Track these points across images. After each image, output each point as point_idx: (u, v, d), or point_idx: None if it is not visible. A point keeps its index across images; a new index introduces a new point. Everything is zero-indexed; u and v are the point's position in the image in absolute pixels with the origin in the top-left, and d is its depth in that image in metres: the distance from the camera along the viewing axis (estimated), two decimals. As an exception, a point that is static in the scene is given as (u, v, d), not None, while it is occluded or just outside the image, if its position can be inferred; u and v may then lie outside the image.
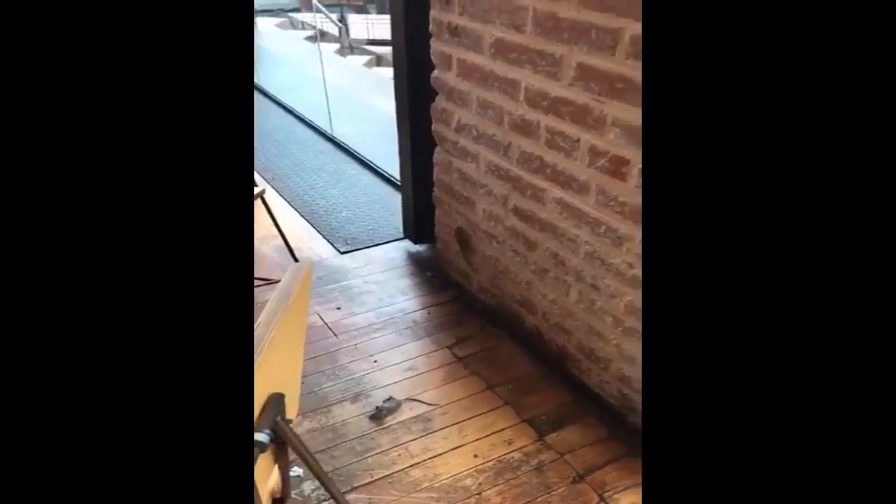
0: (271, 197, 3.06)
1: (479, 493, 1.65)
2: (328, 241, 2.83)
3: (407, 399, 1.96)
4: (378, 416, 1.89)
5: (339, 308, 2.38)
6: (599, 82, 1.55)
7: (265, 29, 7.94)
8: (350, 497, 1.63)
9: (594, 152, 1.64)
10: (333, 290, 2.49)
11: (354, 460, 1.75)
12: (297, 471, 1.68)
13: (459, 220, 2.34)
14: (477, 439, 1.82)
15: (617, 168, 1.59)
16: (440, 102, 2.21)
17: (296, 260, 2.63)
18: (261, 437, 0.89)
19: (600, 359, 1.87)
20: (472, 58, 1.96)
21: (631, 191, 1.57)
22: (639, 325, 1.69)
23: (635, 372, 1.76)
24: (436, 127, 2.29)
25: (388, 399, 1.94)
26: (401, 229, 2.84)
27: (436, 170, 2.39)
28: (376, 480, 1.69)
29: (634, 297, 1.68)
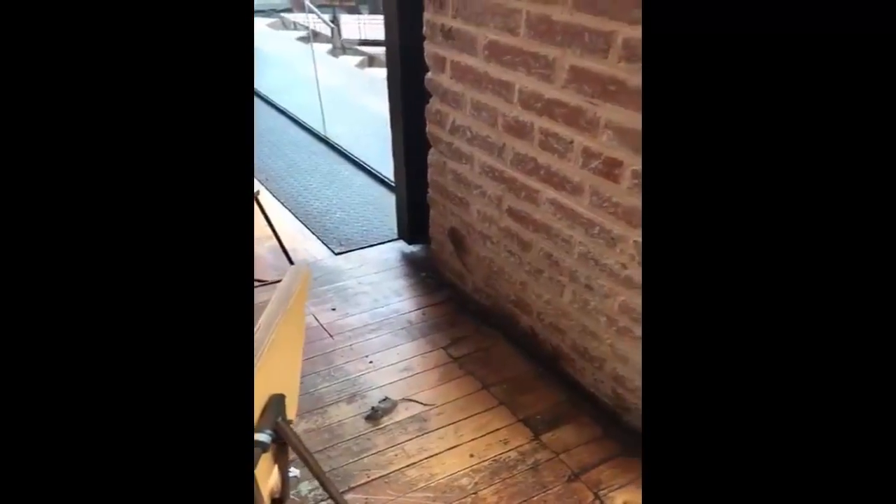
0: (265, 198, 3.07)
1: (475, 493, 1.67)
2: (322, 242, 2.84)
3: (403, 399, 1.97)
4: (374, 416, 1.90)
5: (334, 309, 2.39)
6: (592, 85, 1.57)
7: (257, 29, 7.92)
8: (347, 497, 1.64)
9: (587, 154, 1.66)
10: (328, 291, 2.49)
11: (351, 461, 1.76)
12: (293, 471, 1.69)
13: (454, 220, 2.35)
14: (473, 439, 1.83)
15: (610, 170, 1.60)
16: (434, 104, 2.22)
17: (290, 261, 2.63)
18: (263, 437, 0.90)
19: (594, 358, 1.89)
20: (465, 60, 1.98)
21: (624, 192, 1.59)
22: (632, 325, 1.71)
23: (629, 371, 1.78)
24: (430, 128, 2.30)
25: (384, 399, 1.96)
26: (395, 230, 2.85)
27: (430, 171, 2.40)
28: (373, 480, 1.70)
29: (628, 297, 1.69)
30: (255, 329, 0.88)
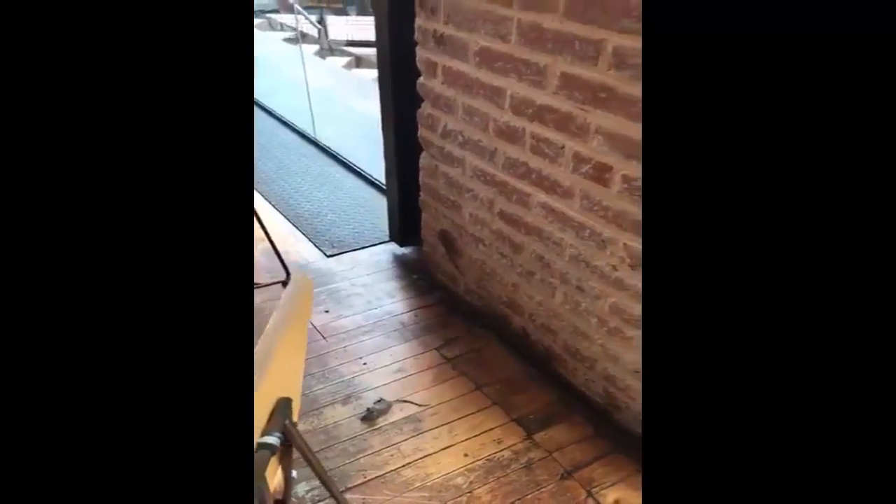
0: (256, 201, 3.08)
1: (470, 492, 1.70)
2: (314, 244, 2.85)
3: (397, 400, 2.00)
4: (369, 417, 1.93)
5: (327, 311, 2.41)
6: (583, 91, 1.60)
7: (243, 30, 7.88)
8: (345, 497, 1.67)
9: (578, 159, 1.69)
10: (321, 293, 2.51)
11: (347, 461, 1.78)
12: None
13: (445, 223, 2.38)
14: (467, 439, 1.86)
15: (600, 174, 1.64)
16: (426, 109, 2.25)
17: (283, 264, 2.65)
18: (272, 439, 0.93)
19: (586, 358, 1.93)
20: (457, 65, 2.00)
21: (614, 196, 1.63)
22: (623, 326, 1.75)
23: (620, 371, 1.82)
24: (422, 132, 2.33)
25: (379, 400, 1.98)
26: (386, 232, 2.87)
27: (422, 174, 2.43)
28: (369, 481, 1.72)
29: (618, 298, 1.73)
30: (262, 335, 0.91)
